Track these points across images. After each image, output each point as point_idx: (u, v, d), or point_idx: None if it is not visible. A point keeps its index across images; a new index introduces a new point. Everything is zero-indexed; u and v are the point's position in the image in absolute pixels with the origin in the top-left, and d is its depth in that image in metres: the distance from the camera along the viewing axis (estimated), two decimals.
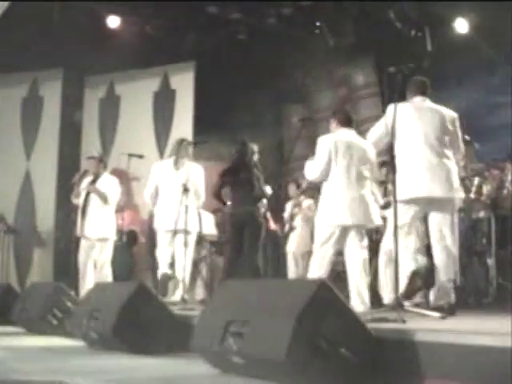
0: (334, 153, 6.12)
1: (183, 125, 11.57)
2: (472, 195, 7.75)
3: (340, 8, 10.68)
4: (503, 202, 7.72)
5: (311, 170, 6.26)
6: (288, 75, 11.48)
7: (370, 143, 6.14)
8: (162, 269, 7.90)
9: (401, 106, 5.71)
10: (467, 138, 6.90)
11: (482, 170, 8.06)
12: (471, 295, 7.67)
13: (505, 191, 7.72)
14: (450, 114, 6.00)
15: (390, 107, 5.62)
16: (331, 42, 11.25)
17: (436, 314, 5.12)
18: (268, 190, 8.12)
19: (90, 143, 12.24)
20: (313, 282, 3.96)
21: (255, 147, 8.08)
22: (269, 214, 9.15)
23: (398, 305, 4.98)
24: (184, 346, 4.83)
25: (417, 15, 10.57)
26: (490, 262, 7.62)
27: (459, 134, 6.02)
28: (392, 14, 10.64)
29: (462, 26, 10.58)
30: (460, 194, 5.90)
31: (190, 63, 11.73)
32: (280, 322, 3.76)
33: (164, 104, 12.00)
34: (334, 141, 6.17)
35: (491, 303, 7.33)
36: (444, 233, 5.75)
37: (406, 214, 5.67)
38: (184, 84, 11.82)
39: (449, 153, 5.84)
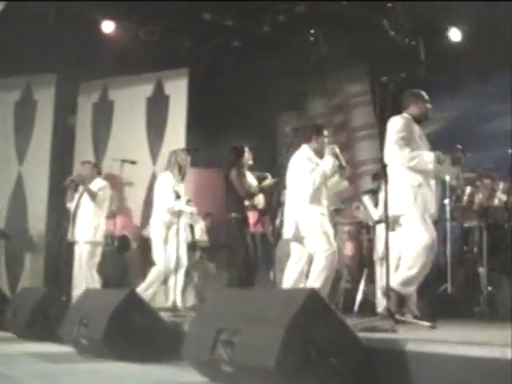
0: None
1: (176, 131, 11.55)
2: (464, 204, 7.78)
3: (334, 16, 10.68)
4: (494, 211, 7.75)
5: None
6: (282, 82, 11.46)
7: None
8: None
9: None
10: (459, 147, 6.91)
11: (474, 179, 8.08)
12: (462, 304, 7.69)
13: (496, 201, 7.75)
14: None
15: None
16: (325, 49, 11.26)
17: (427, 324, 5.12)
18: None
19: (83, 148, 12.24)
20: (303, 291, 3.96)
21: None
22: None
23: (388, 314, 4.98)
24: (174, 353, 4.82)
25: (410, 24, 10.58)
26: (482, 270, 7.62)
27: None
28: (386, 23, 10.65)
29: (455, 35, 10.60)
30: None
31: (183, 69, 11.70)
32: (270, 331, 3.76)
33: (157, 110, 11.97)
34: None
35: (482, 312, 7.33)
36: None
37: None
38: (178, 90, 11.79)
39: None
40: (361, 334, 4.18)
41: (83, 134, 12.43)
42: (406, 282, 5.57)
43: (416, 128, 6.00)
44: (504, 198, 7.75)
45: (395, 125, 5.91)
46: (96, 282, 8.82)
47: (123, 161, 8.64)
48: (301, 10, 10.38)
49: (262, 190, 7.90)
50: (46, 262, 11.55)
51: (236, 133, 10.95)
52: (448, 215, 8.18)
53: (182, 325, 5.68)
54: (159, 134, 11.80)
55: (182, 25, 10.94)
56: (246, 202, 7.75)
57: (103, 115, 12.37)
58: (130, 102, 12.17)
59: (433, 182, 6.00)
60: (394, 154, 5.81)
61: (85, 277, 8.79)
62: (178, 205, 7.84)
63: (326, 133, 6.89)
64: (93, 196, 8.82)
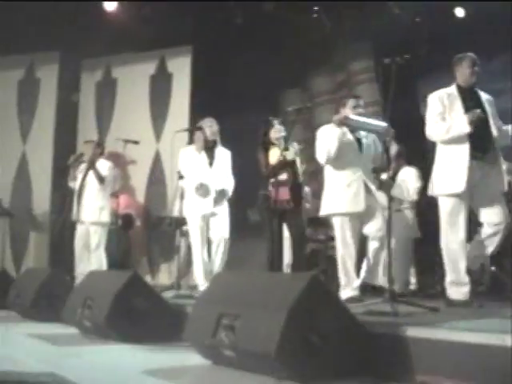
0: None
1: (180, 108, 11.53)
2: None
3: None
4: None
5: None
6: (285, 60, 11.40)
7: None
8: None
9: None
10: None
11: None
12: None
13: None
14: None
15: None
16: (328, 26, 11.19)
17: (430, 306, 5.13)
18: None
19: (87, 126, 12.24)
20: (304, 276, 3.96)
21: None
22: None
23: (391, 297, 4.98)
24: (177, 335, 4.85)
25: (414, 1, 10.50)
26: None
27: None
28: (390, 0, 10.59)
29: (459, 12, 10.54)
30: None
31: (187, 47, 11.67)
32: (271, 316, 3.78)
33: (161, 87, 11.94)
34: None
35: (486, 292, 7.33)
36: None
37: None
38: (181, 68, 11.76)
39: None
40: (362, 318, 4.21)
41: (87, 112, 12.42)
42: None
43: (459, 98, 5.84)
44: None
45: (429, 103, 5.94)
46: (103, 263, 8.84)
47: (126, 141, 8.60)
48: None
49: (284, 164, 7.17)
50: (50, 242, 11.59)
51: (239, 110, 10.93)
52: None
53: (185, 306, 5.71)
54: (163, 112, 11.77)
55: (184, 2, 10.86)
56: (272, 180, 7.40)
57: (106, 93, 12.34)
58: (134, 80, 12.12)
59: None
60: (431, 132, 5.85)
61: (93, 258, 8.82)
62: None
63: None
64: (101, 180, 8.83)
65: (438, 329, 3.88)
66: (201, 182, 7.56)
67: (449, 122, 5.73)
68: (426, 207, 7.46)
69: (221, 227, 7.75)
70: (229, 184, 7.85)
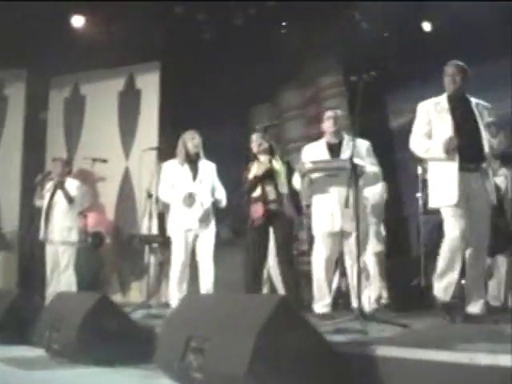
0: None
1: (148, 125, 11.52)
2: None
3: (306, 8, 10.63)
4: None
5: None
6: (254, 75, 11.41)
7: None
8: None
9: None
10: None
11: None
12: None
13: None
14: None
15: None
16: (298, 41, 11.23)
17: (400, 324, 5.13)
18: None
19: (55, 143, 12.17)
20: (273, 298, 3.94)
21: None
22: None
23: (361, 314, 4.98)
24: (148, 357, 4.80)
25: (383, 16, 10.56)
26: None
27: None
28: (358, 15, 10.64)
29: (426, 27, 10.63)
30: None
31: (155, 63, 11.67)
32: (241, 338, 3.74)
33: (129, 104, 11.92)
34: None
35: (455, 304, 7.35)
36: None
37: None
38: (149, 84, 11.75)
39: None
40: (332, 337, 4.19)
41: (55, 130, 12.35)
42: None
43: (448, 107, 5.76)
44: None
45: (417, 113, 5.93)
46: (72, 283, 8.76)
47: (94, 159, 8.56)
48: (272, 2, 10.33)
49: (260, 177, 7.16)
50: (19, 262, 11.47)
51: (209, 126, 10.91)
52: (420, 209, 8.20)
53: (154, 327, 5.66)
54: (131, 129, 11.75)
55: (153, 18, 10.84)
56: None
57: (75, 110, 12.30)
58: (102, 97, 12.10)
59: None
60: (413, 147, 5.87)
61: (62, 278, 8.73)
62: None
63: None
64: (70, 200, 8.76)
65: (408, 348, 3.87)
66: (189, 192, 7.44)
67: (429, 143, 5.71)
68: (394, 222, 7.48)
69: (207, 249, 7.56)
70: (220, 194, 7.69)
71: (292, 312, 3.88)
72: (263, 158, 7.18)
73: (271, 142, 7.23)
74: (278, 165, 7.13)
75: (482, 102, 5.85)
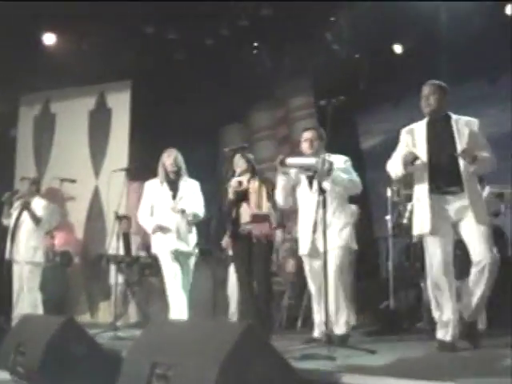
0: None
1: (119, 144, 11.48)
2: (405, 220, 7.77)
3: (278, 29, 10.68)
4: None
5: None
6: (225, 95, 11.43)
7: None
8: None
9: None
10: None
11: None
12: (405, 319, 7.72)
13: None
14: None
15: None
16: (269, 62, 11.26)
17: (368, 349, 5.11)
18: None
19: (25, 161, 12.07)
20: (239, 325, 3.91)
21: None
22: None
23: (328, 340, 4.96)
24: (113, 382, 4.74)
25: (354, 37, 10.63)
26: (424, 285, 7.65)
27: None
28: (329, 36, 10.69)
29: (397, 49, 10.70)
30: None
31: (126, 82, 11.64)
32: (206, 366, 3.70)
33: (100, 123, 11.87)
34: None
35: (425, 327, 7.36)
36: None
37: None
38: (120, 103, 11.72)
39: None
40: (299, 364, 4.17)
41: (25, 147, 12.27)
42: None
43: (425, 129, 5.57)
44: None
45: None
46: (38, 304, 8.65)
47: (62, 180, 8.48)
48: (244, 23, 10.35)
49: (232, 201, 7.09)
50: None
51: (180, 145, 10.87)
52: (390, 231, 8.20)
53: (121, 352, 5.59)
54: (102, 148, 11.69)
55: (124, 37, 10.83)
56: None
57: (45, 128, 12.22)
58: (73, 115, 12.03)
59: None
60: (387, 169, 5.71)
61: (27, 298, 8.62)
62: None
63: None
64: (37, 221, 8.66)
65: (376, 376, 3.86)
66: (157, 225, 7.38)
67: (392, 161, 5.67)
68: (363, 244, 7.46)
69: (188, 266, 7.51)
70: (198, 208, 7.51)
71: (258, 339, 3.84)
72: (244, 177, 7.15)
73: (252, 163, 7.17)
74: (254, 185, 7.09)
75: (464, 117, 5.55)
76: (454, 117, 5.54)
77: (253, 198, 7.03)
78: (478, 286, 5.30)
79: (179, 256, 7.38)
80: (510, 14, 9.47)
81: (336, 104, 5.57)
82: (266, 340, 3.87)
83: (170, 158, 7.57)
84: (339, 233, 6.10)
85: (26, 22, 10.10)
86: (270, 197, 6.93)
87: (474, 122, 5.49)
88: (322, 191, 5.46)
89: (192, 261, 7.51)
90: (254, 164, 7.20)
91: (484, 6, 9.37)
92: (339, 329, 5.86)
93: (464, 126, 5.46)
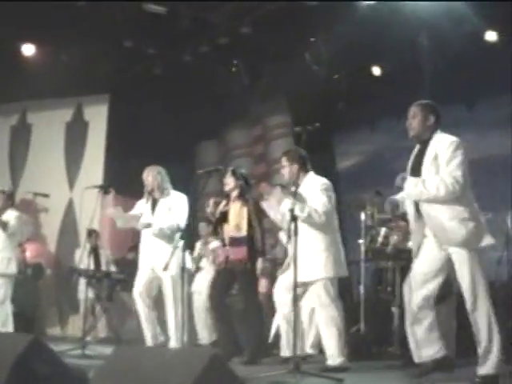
0: None
1: (94, 157, 11.44)
2: (378, 245, 7.79)
3: (256, 48, 10.71)
4: (408, 253, 7.76)
5: None
6: (203, 111, 11.44)
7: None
8: None
9: None
10: (378, 191, 7.00)
11: (389, 220, 8.08)
12: (375, 344, 7.73)
13: (410, 243, 7.76)
14: None
15: None
16: (246, 80, 11.27)
17: (335, 378, 5.10)
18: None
19: (0, 171, 11.98)
20: (205, 353, 3.89)
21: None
22: None
23: (295, 367, 4.95)
24: None
25: (333, 58, 10.66)
26: (395, 310, 7.66)
27: None
28: (308, 56, 10.72)
29: (376, 71, 10.75)
30: None
31: (104, 95, 11.61)
32: None
33: (76, 135, 11.83)
34: None
35: (395, 352, 7.37)
36: None
37: None
38: (97, 116, 11.69)
39: None
40: None
41: (0, 157, 12.17)
42: None
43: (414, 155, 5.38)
44: None
45: None
46: (9, 318, 8.56)
47: (35, 194, 8.42)
48: (223, 41, 10.35)
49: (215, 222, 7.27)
50: None
51: (156, 160, 10.84)
52: (362, 255, 8.20)
53: (87, 372, 5.54)
54: (77, 161, 11.64)
55: (103, 50, 10.80)
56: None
57: (21, 138, 12.16)
58: (49, 126, 11.98)
59: None
60: None
61: None
62: None
63: None
64: (3, 226, 8.56)
65: None
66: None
67: None
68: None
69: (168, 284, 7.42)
70: (172, 220, 7.39)
71: (224, 367, 3.83)
72: (227, 198, 7.19)
73: (241, 182, 7.17)
74: (235, 206, 7.10)
75: (446, 139, 5.16)
76: (434, 139, 5.20)
77: (232, 219, 7.06)
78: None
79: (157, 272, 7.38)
80: (489, 39, 9.56)
81: (311, 130, 5.58)
82: (231, 369, 3.84)
83: (148, 177, 7.63)
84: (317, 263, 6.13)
85: (5, 32, 10.06)
86: (254, 219, 6.96)
87: (445, 144, 5.10)
88: (293, 218, 5.46)
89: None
90: (243, 183, 7.19)
91: (464, 31, 9.45)
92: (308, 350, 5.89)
93: (436, 149, 5.14)
